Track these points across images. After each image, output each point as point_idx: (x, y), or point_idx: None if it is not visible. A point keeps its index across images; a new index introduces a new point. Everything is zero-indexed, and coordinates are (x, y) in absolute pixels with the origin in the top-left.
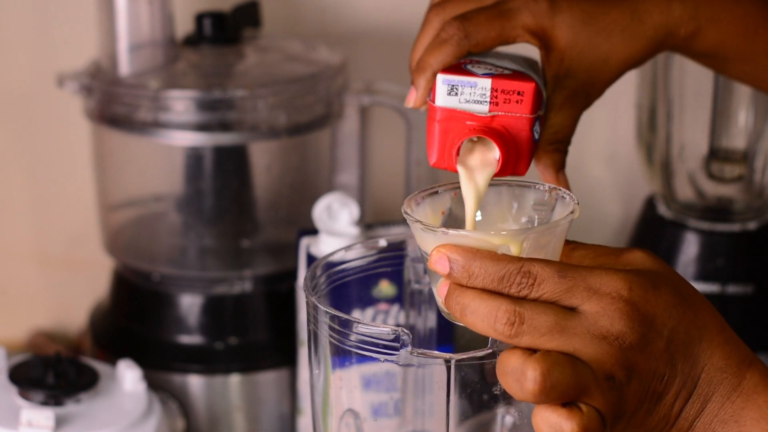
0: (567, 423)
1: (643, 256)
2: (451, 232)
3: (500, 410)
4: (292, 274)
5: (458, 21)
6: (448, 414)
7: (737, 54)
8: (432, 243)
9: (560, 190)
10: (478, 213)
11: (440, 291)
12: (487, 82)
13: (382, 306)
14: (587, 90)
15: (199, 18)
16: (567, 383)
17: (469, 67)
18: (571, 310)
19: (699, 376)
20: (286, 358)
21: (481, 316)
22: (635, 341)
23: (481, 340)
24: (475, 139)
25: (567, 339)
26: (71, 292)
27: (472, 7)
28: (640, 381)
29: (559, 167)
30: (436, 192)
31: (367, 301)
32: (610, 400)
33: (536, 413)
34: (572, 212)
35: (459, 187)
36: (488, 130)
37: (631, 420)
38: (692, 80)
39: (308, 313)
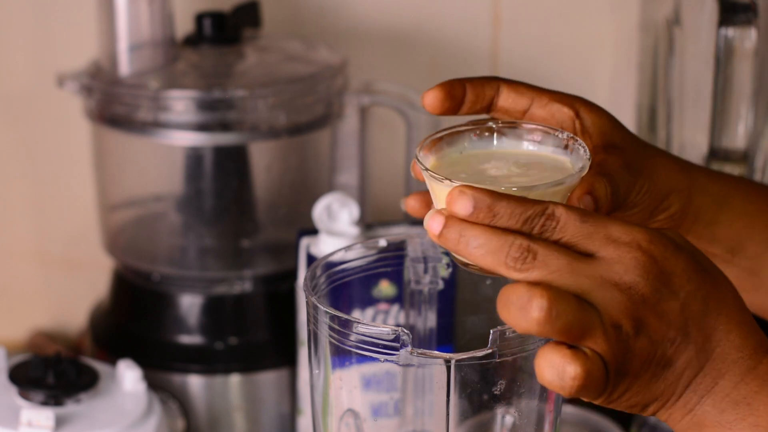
0: (570, 365)
1: (671, 231)
2: (456, 183)
3: (500, 410)
4: (292, 274)
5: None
6: (448, 414)
7: None
8: (438, 191)
9: (578, 141)
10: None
11: (430, 223)
12: None
13: (382, 306)
14: None
15: (199, 18)
16: (573, 316)
17: None
18: (588, 256)
19: (713, 350)
20: (286, 358)
21: (491, 249)
22: (648, 294)
23: (481, 340)
24: None
25: (577, 279)
26: (71, 292)
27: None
28: (649, 339)
29: None
30: (459, 132)
31: (367, 301)
32: (615, 350)
33: (540, 354)
34: (581, 169)
35: (479, 128)
36: None
37: (634, 381)
38: (692, 80)
39: (308, 313)
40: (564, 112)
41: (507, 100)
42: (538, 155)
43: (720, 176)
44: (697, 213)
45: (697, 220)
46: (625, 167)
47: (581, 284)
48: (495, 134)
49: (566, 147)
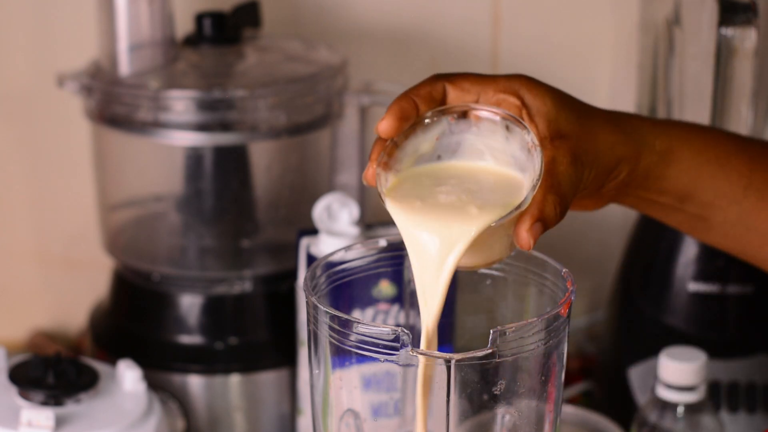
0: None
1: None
2: (391, 206)
3: (500, 410)
4: (292, 274)
5: None
6: (448, 414)
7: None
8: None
9: (538, 150)
10: (478, 140)
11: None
12: None
13: (382, 306)
14: None
15: (199, 18)
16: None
17: None
18: None
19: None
20: (286, 358)
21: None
22: None
23: (481, 340)
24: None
25: None
26: (71, 292)
27: None
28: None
29: None
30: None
31: (367, 301)
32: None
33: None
34: (518, 206)
35: (454, 112)
36: None
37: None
38: (692, 80)
39: (308, 313)
40: (510, 102)
41: (455, 100)
42: (494, 173)
43: (666, 129)
44: (646, 172)
45: (647, 177)
46: (572, 162)
47: None
48: (462, 122)
49: (529, 151)
